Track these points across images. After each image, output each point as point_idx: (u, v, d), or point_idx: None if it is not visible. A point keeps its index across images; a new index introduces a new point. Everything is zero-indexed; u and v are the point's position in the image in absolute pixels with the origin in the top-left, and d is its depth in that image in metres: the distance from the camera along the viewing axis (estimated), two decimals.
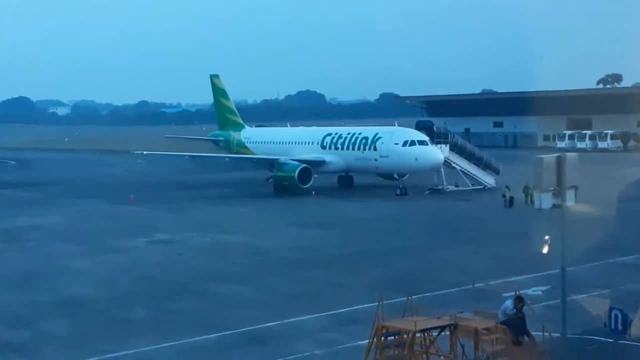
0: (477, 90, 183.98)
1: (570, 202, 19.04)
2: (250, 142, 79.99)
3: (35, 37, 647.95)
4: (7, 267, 36.66)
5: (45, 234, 46.43)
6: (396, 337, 19.66)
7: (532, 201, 46.62)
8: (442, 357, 19.94)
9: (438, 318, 19.94)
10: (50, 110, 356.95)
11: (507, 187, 54.61)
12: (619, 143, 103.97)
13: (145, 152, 78.71)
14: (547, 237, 21.14)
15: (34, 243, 43.25)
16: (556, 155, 19.33)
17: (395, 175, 63.77)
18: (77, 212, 55.89)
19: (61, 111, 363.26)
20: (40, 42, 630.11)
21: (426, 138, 61.22)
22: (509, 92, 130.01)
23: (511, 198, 53.04)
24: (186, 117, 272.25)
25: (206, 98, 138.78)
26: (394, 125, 67.26)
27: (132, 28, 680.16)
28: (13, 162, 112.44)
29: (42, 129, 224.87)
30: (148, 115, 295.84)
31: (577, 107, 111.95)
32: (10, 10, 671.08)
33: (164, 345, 24.15)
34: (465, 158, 64.70)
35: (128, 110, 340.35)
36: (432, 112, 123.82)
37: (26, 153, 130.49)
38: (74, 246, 41.96)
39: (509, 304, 21.48)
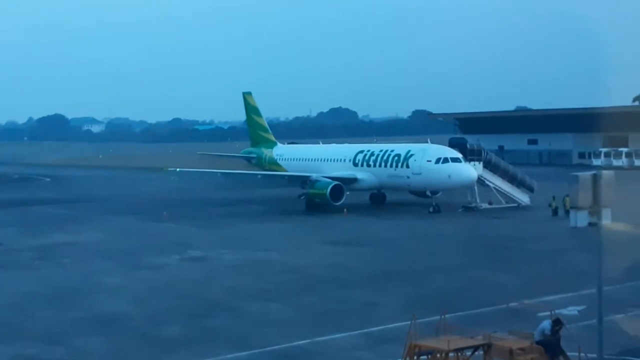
0: (511, 107, 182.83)
1: (606, 220, 18.75)
2: (282, 159, 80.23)
3: (71, 56, 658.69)
4: (42, 284, 36.92)
5: (80, 250, 46.84)
6: (429, 356, 19.47)
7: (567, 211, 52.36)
8: None
9: (472, 337, 19.73)
10: (85, 128, 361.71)
11: (553, 197, 57.82)
12: None
13: (178, 169, 79.15)
14: None
15: (69, 260, 43.61)
16: (592, 172, 19.05)
17: (428, 193, 63.35)
18: (111, 229, 56.38)
19: (95, 129, 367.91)
20: (74, 61, 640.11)
21: (459, 155, 60.83)
22: (544, 110, 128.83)
23: (556, 208, 57.37)
24: (219, 134, 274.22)
25: (239, 115, 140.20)
26: (427, 142, 67.05)
27: (165, 47, 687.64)
28: (48, 179, 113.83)
29: (77, 146, 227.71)
30: (181, 132, 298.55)
31: (613, 125, 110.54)
32: (47, 30, 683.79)
33: None
34: (499, 175, 64.12)
35: (161, 128, 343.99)
36: (465, 130, 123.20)
37: (61, 170, 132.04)
38: (109, 263, 42.28)
39: (547, 324, 21.19)
